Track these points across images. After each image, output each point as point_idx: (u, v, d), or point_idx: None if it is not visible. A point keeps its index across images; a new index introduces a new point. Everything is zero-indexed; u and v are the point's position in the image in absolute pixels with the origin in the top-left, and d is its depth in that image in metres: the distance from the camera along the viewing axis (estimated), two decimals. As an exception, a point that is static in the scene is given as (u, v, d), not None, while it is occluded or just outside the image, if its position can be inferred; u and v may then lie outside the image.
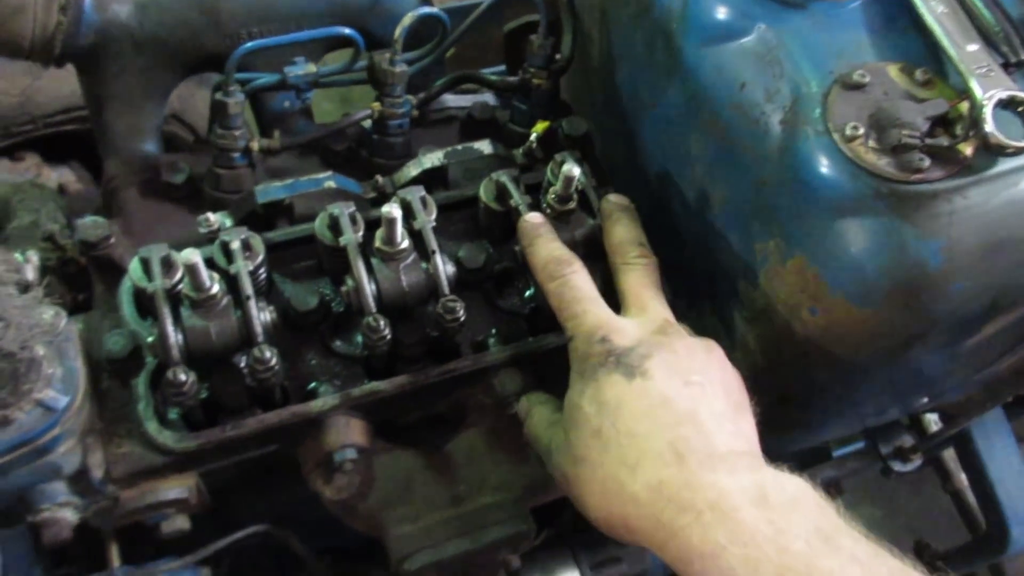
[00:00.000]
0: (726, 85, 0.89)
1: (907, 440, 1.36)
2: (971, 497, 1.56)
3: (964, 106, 0.77)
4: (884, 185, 0.78)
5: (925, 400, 1.25)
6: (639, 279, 0.90)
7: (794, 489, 0.70)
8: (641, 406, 0.75)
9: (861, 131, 0.78)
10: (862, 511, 2.48)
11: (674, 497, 0.70)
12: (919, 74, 0.81)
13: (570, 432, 0.79)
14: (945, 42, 0.79)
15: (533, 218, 0.94)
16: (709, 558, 0.67)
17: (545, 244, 0.91)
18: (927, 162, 0.77)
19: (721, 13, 0.89)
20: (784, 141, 0.84)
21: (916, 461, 1.35)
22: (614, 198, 0.97)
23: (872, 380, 1.00)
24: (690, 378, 0.78)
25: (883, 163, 0.78)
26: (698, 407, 0.76)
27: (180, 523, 0.95)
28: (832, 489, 1.50)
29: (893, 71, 0.81)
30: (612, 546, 1.32)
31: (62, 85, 1.85)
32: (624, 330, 0.82)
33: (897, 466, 1.34)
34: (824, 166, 0.80)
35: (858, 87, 0.80)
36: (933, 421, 1.52)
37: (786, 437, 1.17)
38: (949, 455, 1.60)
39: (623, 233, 0.93)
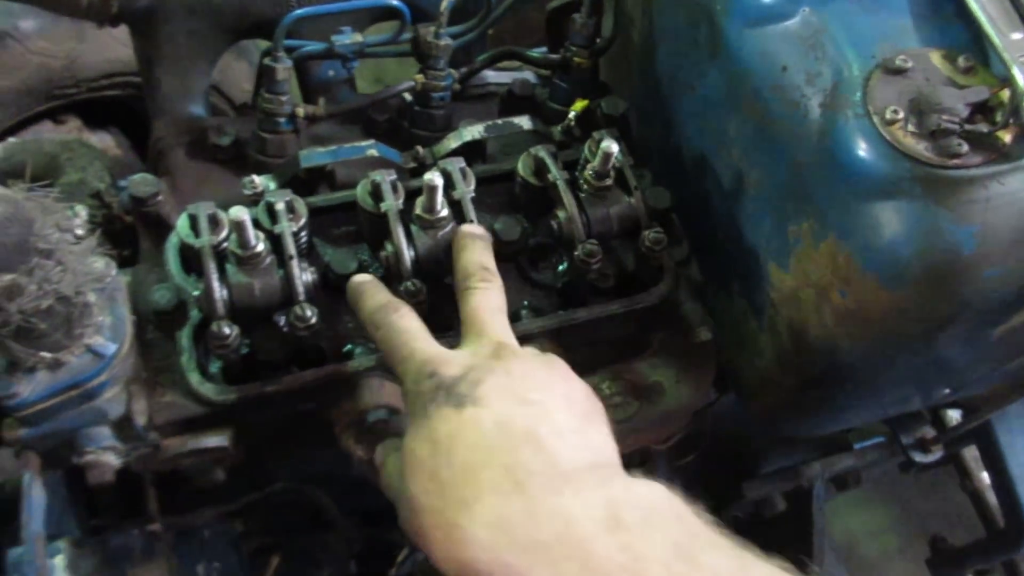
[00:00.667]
0: (768, 67, 0.90)
1: (928, 431, 1.36)
2: (990, 496, 1.56)
3: (1005, 94, 0.77)
4: (921, 169, 0.79)
5: (947, 391, 1.26)
6: (478, 302, 0.84)
7: (648, 501, 0.65)
8: (474, 436, 0.69)
9: (901, 115, 0.79)
10: (876, 510, 2.49)
11: (517, 533, 0.63)
12: (961, 61, 0.82)
13: (408, 481, 0.71)
14: (989, 29, 0.79)
15: (359, 278, 0.90)
16: None
17: (371, 297, 0.86)
18: (965, 148, 0.77)
19: (766, -5, 0.90)
20: (823, 124, 0.85)
21: (937, 452, 1.36)
22: (466, 227, 0.92)
23: (898, 366, 1.01)
24: (527, 396, 0.72)
25: (921, 147, 0.79)
26: (537, 425, 0.69)
27: (215, 474, 0.99)
28: (851, 479, 1.51)
29: (936, 57, 0.82)
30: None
31: (106, 50, 1.89)
32: (453, 360, 0.76)
33: (918, 456, 1.34)
34: (862, 149, 0.81)
35: (900, 72, 0.81)
36: (954, 418, 1.53)
37: (808, 421, 1.19)
38: (970, 453, 1.60)
39: (467, 259, 0.87)
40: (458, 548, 0.66)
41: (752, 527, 1.55)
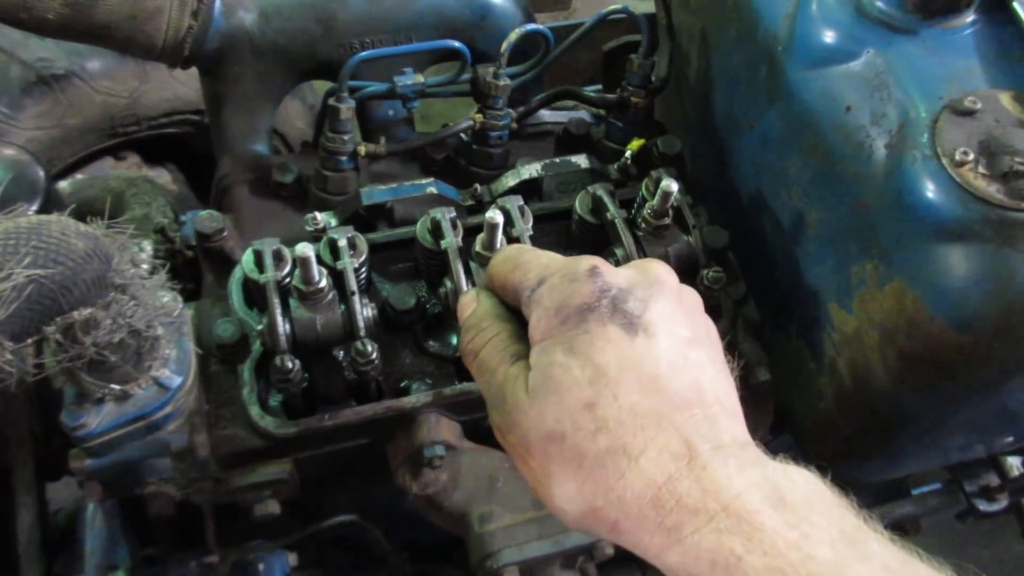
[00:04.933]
0: (830, 108, 0.90)
1: (993, 479, 1.32)
2: (1053, 547, 1.50)
3: (1079, 136, 0.76)
4: (993, 212, 0.77)
5: (1011, 439, 1.22)
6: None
7: (807, 485, 0.61)
8: (647, 376, 0.61)
9: (971, 157, 0.78)
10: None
11: (683, 497, 0.59)
12: (1032, 102, 0.81)
13: (547, 397, 0.62)
14: (1061, 71, 0.79)
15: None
16: (722, 568, 0.58)
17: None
18: (1039, 190, 0.76)
19: (829, 37, 0.90)
20: (889, 165, 0.84)
21: (1002, 502, 1.31)
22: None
23: (963, 412, 0.99)
24: (688, 332, 0.65)
25: (993, 189, 0.77)
26: (701, 377, 0.64)
27: (272, 507, 0.99)
28: (910, 527, 1.46)
29: (1005, 99, 0.81)
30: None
31: (166, 89, 1.95)
32: (613, 267, 0.67)
33: (983, 505, 1.30)
34: (931, 190, 0.80)
35: (969, 113, 0.80)
36: (1015, 465, 1.48)
37: (868, 466, 1.16)
38: (1032, 502, 1.54)
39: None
40: (604, 493, 0.61)
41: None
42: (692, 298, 0.69)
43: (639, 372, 0.61)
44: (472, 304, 0.73)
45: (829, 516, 0.59)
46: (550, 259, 0.69)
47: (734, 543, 0.57)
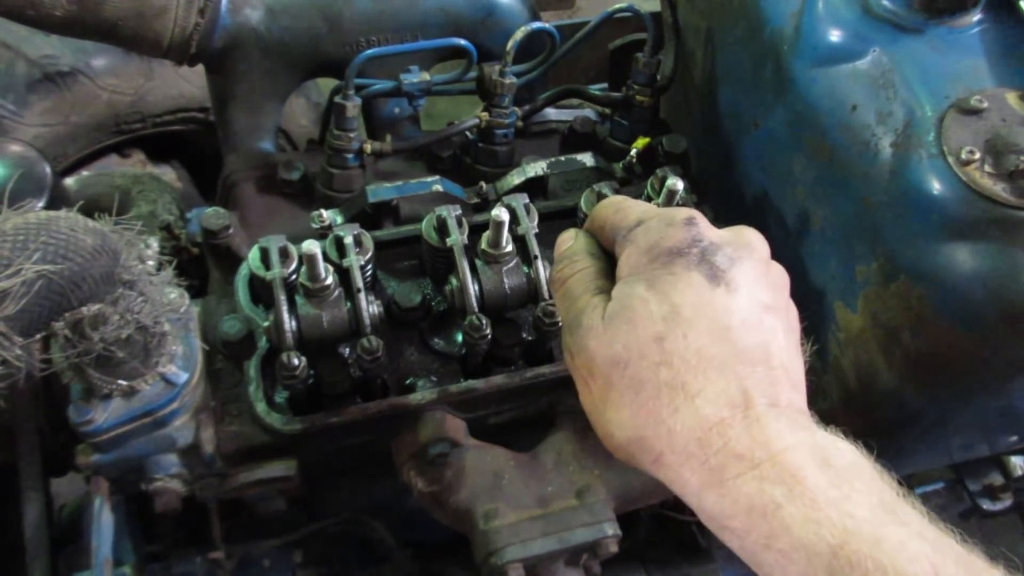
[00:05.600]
0: (836, 107, 0.90)
1: (997, 478, 1.32)
2: (1057, 547, 1.50)
3: (1086, 135, 0.76)
4: (999, 210, 0.77)
5: (1015, 438, 1.22)
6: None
7: (852, 455, 0.63)
8: (719, 326, 0.64)
9: (977, 156, 0.78)
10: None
11: (731, 441, 0.61)
12: (1039, 102, 0.81)
13: (621, 324, 0.65)
14: (1068, 70, 0.79)
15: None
16: (759, 514, 0.60)
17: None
18: (1045, 189, 0.76)
19: (835, 36, 0.90)
20: (895, 164, 0.84)
21: (1006, 500, 1.32)
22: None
23: (968, 410, 0.99)
24: (768, 299, 0.68)
25: (999, 188, 0.78)
26: (771, 342, 0.66)
27: (277, 503, 0.99)
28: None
29: (1012, 98, 0.81)
30: (684, 564, 1.32)
31: (171, 87, 1.95)
32: (707, 221, 0.70)
33: (986, 504, 1.30)
34: (937, 189, 0.80)
35: (975, 112, 0.80)
36: (1019, 465, 1.48)
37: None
38: (1036, 502, 1.54)
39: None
40: (655, 426, 0.63)
41: None
42: (780, 273, 0.71)
43: (713, 320, 0.64)
44: (570, 240, 0.77)
45: (870, 485, 0.61)
46: (650, 206, 0.74)
47: (775, 492, 0.59)
